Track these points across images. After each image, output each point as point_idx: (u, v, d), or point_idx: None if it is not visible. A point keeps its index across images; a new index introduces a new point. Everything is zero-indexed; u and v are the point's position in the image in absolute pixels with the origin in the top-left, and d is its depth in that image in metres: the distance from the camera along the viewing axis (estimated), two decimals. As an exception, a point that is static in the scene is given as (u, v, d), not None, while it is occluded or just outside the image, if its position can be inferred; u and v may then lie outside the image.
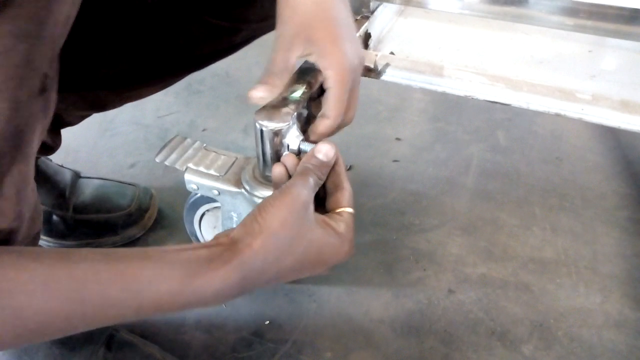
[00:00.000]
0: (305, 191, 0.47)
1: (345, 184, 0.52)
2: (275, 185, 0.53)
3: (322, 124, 0.53)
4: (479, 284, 0.81)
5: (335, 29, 0.51)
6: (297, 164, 0.52)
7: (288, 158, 0.53)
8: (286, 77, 0.52)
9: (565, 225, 0.90)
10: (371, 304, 0.78)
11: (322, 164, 0.50)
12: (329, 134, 0.54)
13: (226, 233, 0.46)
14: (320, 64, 0.52)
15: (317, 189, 0.49)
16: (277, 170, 0.52)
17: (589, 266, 0.83)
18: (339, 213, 0.50)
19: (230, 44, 0.76)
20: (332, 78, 0.51)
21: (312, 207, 0.47)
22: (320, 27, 0.50)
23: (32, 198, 0.46)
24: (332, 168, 0.53)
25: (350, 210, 0.51)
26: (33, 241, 0.51)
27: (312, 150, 0.51)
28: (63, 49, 0.45)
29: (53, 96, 0.45)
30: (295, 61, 0.52)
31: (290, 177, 0.52)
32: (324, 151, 0.50)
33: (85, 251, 0.41)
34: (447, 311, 0.77)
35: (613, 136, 1.11)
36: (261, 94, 0.52)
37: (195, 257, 0.43)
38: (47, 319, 0.38)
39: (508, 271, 0.83)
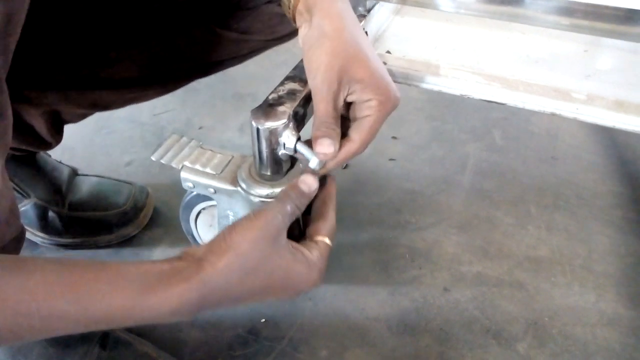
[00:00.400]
0: (280, 217, 0.47)
1: (329, 215, 0.52)
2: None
3: (347, 147, 0.52)
4: (475, 283, 0.81)
5: (375, 65, 0.51)
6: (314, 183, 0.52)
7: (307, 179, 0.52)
8: (339, 122, 0.52)
9: (560, 224, 0.91)
10: (367, 302, 0.78)
11: (302, 194, 0.50)
12: (347, 159, 0.53)
13: (194, 250, 0.45)
14: (364, 96, 0.51)
15: (293, 217, 0.49)
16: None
17: (584, 265, 0.84)
18: (315, 241, 0.51)
19: (236, 54, 0.76)
20: (375, 107, 0.51)
21: (284, 233, 0.47)
22: (362, 66, 0.50)
23: (4, 203, 0.46)
24: (322, 198, 0.53)
25: (327, 240, 0.51)
26: (15, 245, 0.51)
27: (297, 180, 0.51)
28: (68, 46, 0.45)
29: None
30: (343, 104, 0.52)
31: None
32: (307, 182, 0.51)
33: (42, 261, 0.41)
34: (443, 309, 0.77)
35: (608, 136, 1.11)
36: (331, 150, 0.50)
37: (154, 272, 0.42)
38: None
39: (503, 269, 0.83)
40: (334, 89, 0.50)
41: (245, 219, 0.46)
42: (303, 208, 0.51)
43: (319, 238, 0.51)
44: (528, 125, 1.14)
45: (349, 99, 0.52)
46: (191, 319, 0.45)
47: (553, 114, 0.60)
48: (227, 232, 0.45)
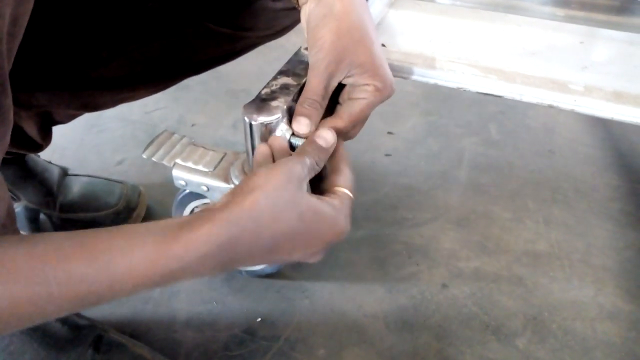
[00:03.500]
0: (300, 167, 0.45)
1: (343, 166, 0.50)
2: (256, 164, 0.50)
3: (332, 122, 0.52)
4: (473, 278, 0.80)
5: (376, 54, 0.50)
6: (285, 147, 0.51)
7: (275, 140, 0.51)
8: (325, 103, 0.51)
9: (558, 218, 0.90)
10: (364, 299, 0.77)
11: (320, 148, 0.48)
12: (331, 136, 0.51)
13: (213, 203, 0.43)
14: (362, 80, 0.50)
15: (313, 173, 0.47)
16: (261, 150, 0.50)
17: (582, 259, 0.83)
18: (333, 191, 0.48)
19: (229, 51, 0.75)
20: (370, 92, 0.50)
21: (305, 184, 0.45)
22: (365, 52, 0.49)
23: (2, 206, 0.44)
24: (334, 156, 0.51)
25: (346, 190, 0.48)
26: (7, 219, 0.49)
27: (312, 135, 0.50)
28: (59, 46, 0.43)
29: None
30: (334, 86, 0.51)
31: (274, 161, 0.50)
32: (324, 136, 0.49)
33: (47, 233, 0.38)
34: (441, 306, 0.76)
35: (605, 128, 1.11)
36: (306, 129, 0.50)
37: (174, 223, 0.39)
38: (10, 304, 0.34)
39: (501, 265, 0.82)
40: (331, 69, 0.49)
41: (265, 167, 0.44)
42: (322, 164, 0.48)
43: (339, 189, 0.48)
44: (524, 119, 1.13)
45: (345, 81, 0.51)
46: (222, 272, 0.40)
47: (551, 106, 0.59)
48: (247, 179, 0.43)
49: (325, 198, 0.46)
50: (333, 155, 0.51)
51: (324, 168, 0.52)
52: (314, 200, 0.44)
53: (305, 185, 0.45)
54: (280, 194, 0.41)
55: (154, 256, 0.37)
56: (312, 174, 0.47)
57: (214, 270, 0.40)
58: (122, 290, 0.37)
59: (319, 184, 0.50)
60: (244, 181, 0.43)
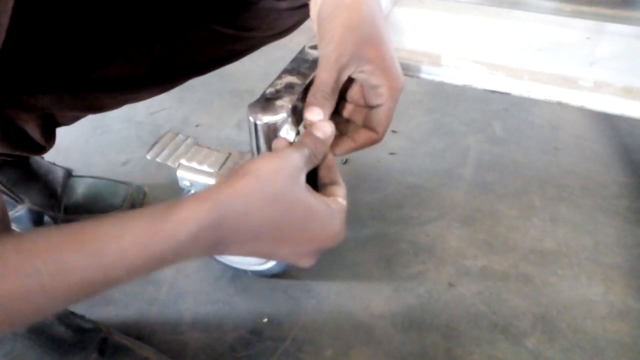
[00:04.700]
0: (298, 156, 0.44)
1: (337, 179, 0.50)
2: None
3: (369, 138, 0.53)
4: (480, 277, 0.79)
5: (386, 47, 0.50)
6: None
7: (279, 143, 0.50)
8: (336, 97, 0.50)
9: (565, 215, 0.89)
10: (371, 299, 0.77)
11: (318, 140, 0.47)
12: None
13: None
14: (373, 81, 0.50)
15: (310, 165, 0.46)
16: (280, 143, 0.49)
17: (591, 257, 0.82)
18: (330, 196, 0.48)
19: (232, 52, 0.75)
20: (385, 95, 0.50)
21: (303, 175, 0.44)
22: (375, 46, 0.49)
23: None
24: (325, 166, 0.51)
25: (341, 200, 0.48)
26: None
27: (310, 128, 0.49)
28: (61, 48, 0.43)
29: None
30: (345, 79, 0.51)
31: None
32: (322, 128, 0.48)
33: (36, 229, 0.37)
34: (448, 305, 0.76)
35: (610, 125, 1.10)
36: (318, 118, 0.49)
37: (164, 204, 0.39)
38: (2, 300, 0.33)
39: (509, 263, 0.81)
40: (342, 62, 0.48)
41: (262, 153, 0.43)
42: (320, 157, 0.48)
43: (333, 198, 0.48)
44: (529, 115, 1.12)
45: (355, 76, 0.51)
46: (212, 254, 0.40)
47: (560, 103, 0.58)
48: (244, 164, 0.42)
49: (322, 196, 0.45)
50: (329, 168, 0.50)
51: (319, 179, 0.51)
52: (308, 194, 0.43)
53: (303, 176, 0.44)
54: (273, 178, 0.41)
55: (145, 239, 0.37)
56: (310, 166, 0.46)
57: (204, 251, 0.40)
58: (116, 277, 0.37)
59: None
60: (240, 165, 0.43)
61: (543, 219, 0.89)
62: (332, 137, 0.49)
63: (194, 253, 0.39)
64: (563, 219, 0.89)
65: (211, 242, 0.39)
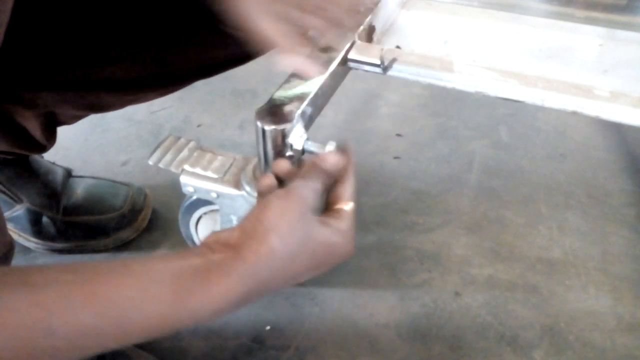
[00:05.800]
0: (312, 195, 0.44)
1: (343, 177, 0.49)
2: (260, 195, 0.49)
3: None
4: (486, 286, 0.78)
5: None
6: (290, 171, 0.49)
7: (280, 165, 0.50)
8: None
9: (572, 224, 0.88)
10: (376, 307, 0.75)
11: (328, 173, 0.47)
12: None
13: (225, 236, 0.41)
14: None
15: (319, 195, 0.46)
16: (266, 183, 0.48)
17: (599, 267, 0.81)
18: (338, 210, 0.47)
19: (241, 54, 0.73)
20: None
21: (313, 210, 0.45)
22: None
23: None
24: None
25: (349, 207, 0.48)
26: (3, 263, 0.47)
27: (319, 159, 0.48)
28: (66, 45, 0.41)
29: None
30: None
31: (280, 184, 0.49)
32: (333, 162, 0.48)
33: (54, 271, 0.35)
34: (454, 315, 0.74)
35: (617, 131, 1.09)
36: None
37: (188, 270, 0.38)
38: (10, 357, 0.31)
39: (516, 272, 0.80)
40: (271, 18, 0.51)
41: (276, 196, 0.43)
42: (328, 187, 0.48)
43: (342, 206, 0.48)
44: (534, 121, 1.11)
45: None
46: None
47: (575, 112, 0.57)
48: (260, 212, 0.41)
49: (333, 222, 0.45)
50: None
51: None
52: (325, 232, 0.44)
53: (313, 211, 0.44)
54: (295, 235, 0.41)
55: (168, 312, 0.36)
56: (319, 197, 0.46)
57: (222, 316, 0.40)
58: (130, 340, 0.36)
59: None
60: (256, 215, 0.42)
61: (550, 227, 0.88)
62: (339, 167, 0.48)
63: (215, 319, 0.39)
64: (570, 228, 0.87)
65: (235, 309, 0.40)
